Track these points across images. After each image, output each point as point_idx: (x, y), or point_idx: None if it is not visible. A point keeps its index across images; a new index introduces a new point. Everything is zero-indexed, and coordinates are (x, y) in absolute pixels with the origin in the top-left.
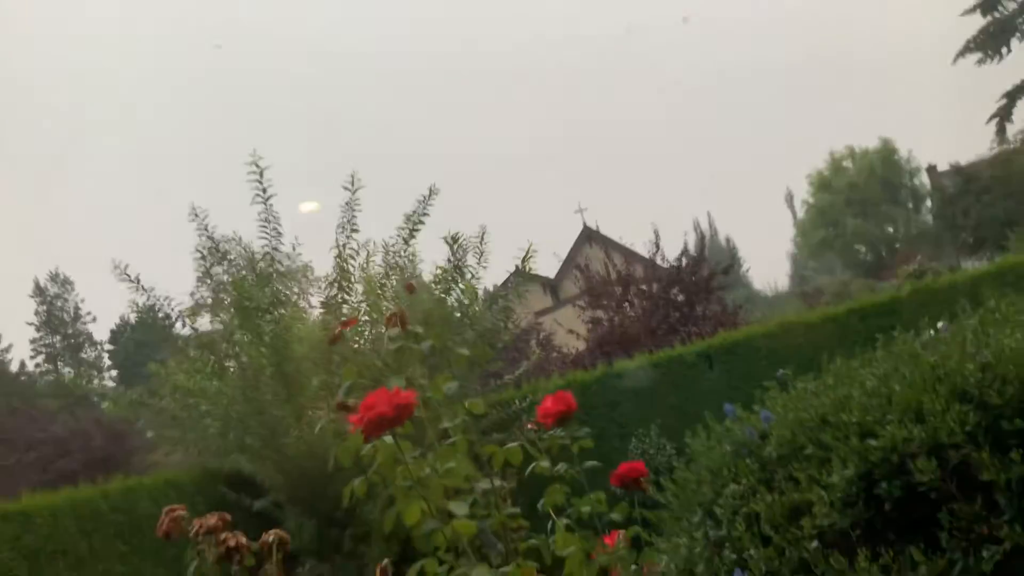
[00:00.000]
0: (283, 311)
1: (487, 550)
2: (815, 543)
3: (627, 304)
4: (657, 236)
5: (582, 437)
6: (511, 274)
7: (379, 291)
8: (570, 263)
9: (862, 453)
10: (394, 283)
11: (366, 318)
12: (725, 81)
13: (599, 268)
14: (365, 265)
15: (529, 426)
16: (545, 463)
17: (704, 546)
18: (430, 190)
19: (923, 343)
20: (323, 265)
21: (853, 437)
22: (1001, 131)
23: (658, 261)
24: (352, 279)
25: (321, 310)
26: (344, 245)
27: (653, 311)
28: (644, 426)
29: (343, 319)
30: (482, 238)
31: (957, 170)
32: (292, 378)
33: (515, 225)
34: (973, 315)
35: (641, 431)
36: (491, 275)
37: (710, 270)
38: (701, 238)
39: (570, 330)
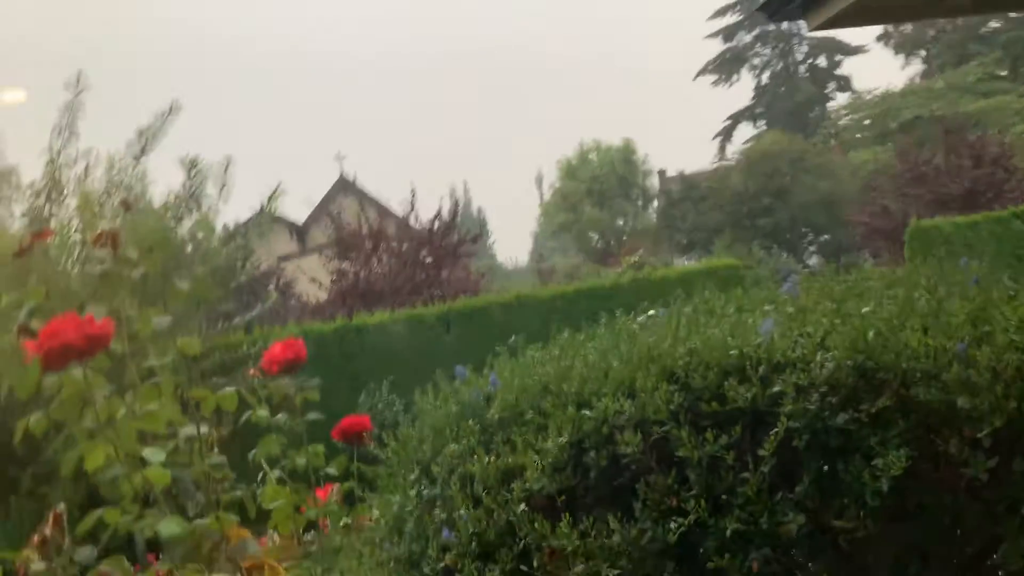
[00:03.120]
0: None
1: (184, 500)
2: (522, 506)
3: (375, 260)
4: (413, 196)
5: (310, 388)
6: (255, 213)
7: (97, 208)
8: (322, 211)
9: (576, 422)
10: (116, 202)
11: (77, 236)
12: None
13: (351, 220)
14: (83, 177)
15: (252, 373)
16: (263, 412)
17: (416, 504)
18: (171, 106)
19: (641, 325)
20: (33, 172)
21: (571, 406)
22: (722, 148)
23: (411, 222)
24: (65, 191)
25: (24, 221)
26: (59, 151)
27: (400, 270)
28: (377, 381)
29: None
30: (226, 168)
31: (682, 177)
32: None
33: (269, 161)
34: (688, 304)
35: (372, 385)
36: (234, 211)
37: (459, 237)
38: (455, 205)
39: (313, 279)
